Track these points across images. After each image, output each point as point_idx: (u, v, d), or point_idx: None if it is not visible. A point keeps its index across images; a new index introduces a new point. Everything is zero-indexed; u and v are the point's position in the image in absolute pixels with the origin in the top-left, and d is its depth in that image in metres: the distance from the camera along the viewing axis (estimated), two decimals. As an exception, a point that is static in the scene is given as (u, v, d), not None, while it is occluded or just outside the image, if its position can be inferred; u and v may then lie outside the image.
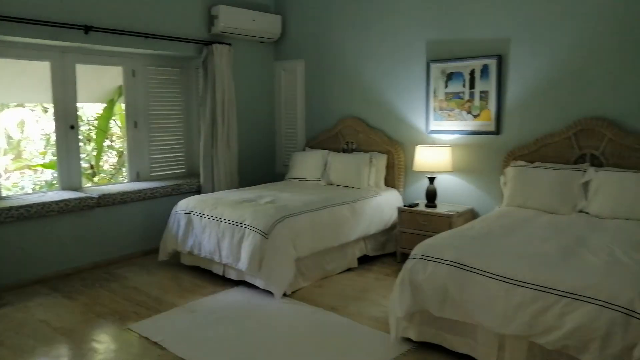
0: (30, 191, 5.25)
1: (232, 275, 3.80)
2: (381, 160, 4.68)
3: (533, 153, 3.89)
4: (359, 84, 4.98)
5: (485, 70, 4.10)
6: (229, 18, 4.85)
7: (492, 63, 4.06)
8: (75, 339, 2.98)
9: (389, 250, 4.50)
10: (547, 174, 3.63)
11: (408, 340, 2.80)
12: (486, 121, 4.15)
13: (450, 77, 4.32)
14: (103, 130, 5.86)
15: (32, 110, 5.91)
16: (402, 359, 2.68)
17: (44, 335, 3.02)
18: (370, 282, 3.86)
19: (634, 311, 2.04)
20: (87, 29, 4.02)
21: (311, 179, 4.91)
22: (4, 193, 4.28)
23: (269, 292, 3.55)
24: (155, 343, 2.88)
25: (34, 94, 4.56)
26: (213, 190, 4.89)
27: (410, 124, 4.63)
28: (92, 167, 6.03)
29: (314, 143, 5.32)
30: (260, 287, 3.61)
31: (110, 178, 6.18)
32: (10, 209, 3.68)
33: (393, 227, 4.44)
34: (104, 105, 5.61)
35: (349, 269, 4.12)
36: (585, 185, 3.48)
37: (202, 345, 2.85)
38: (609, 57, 3.57)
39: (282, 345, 2.85)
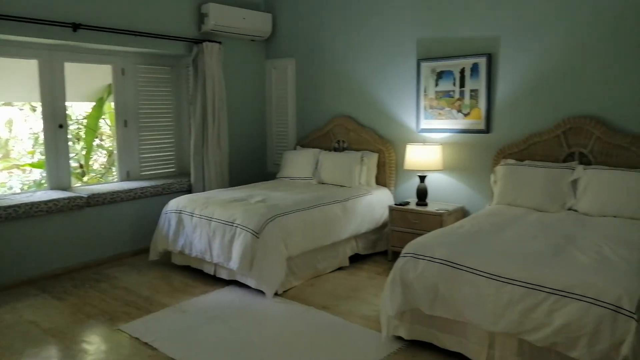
0: (19, 191, 5.19)
1: (223, 274, 3.79)
2: (372, 159, 4.69)
3: (523, 151, 3.92)
4: (349, 83, 4.98)
5: (475, 68, 4.12)
6: (219, 16, 4.83)
7: (482, 62, 4.08)
8: (65, 340, 2.95)
9: (380, 249, 4.52)
10: (537, 172, 3.66)
11: (399, 338, 2.81)
12: (476, 120, 4.18)
13: (440, 75, 4.33)
14: (92, 129, 5.81)
15: (20, 109, 5.84)
16: (393, 357, 2.69)
17: (33, 337, 2.99)
18: (361, 280, 3.87)
19: (621, 308, 2.06)
20: (76, 26, 3.98)
21: (302, 178, 4.91)
22: (-8, 193, 4.24)
23: (260, 292, 3.54)
24: (146, 343, 2.86)
25: (22, 93, 4.51)
26: (204, 190, 4.88)
27: (401, 123, 4.64)
28: (81, 166, 5.98)
29: (305, 142, 5.32)
30: (252, 286, 3.60)
31: (100, 177, 6.13)
32: (-2, 209, 3.64)
33: (384, 225, 4.46)
34: (93, 104, 5.56)
35: (341, 268, 4.13)
36: (574, 183, 3.51)
37: (193, 346, 2.84)
38: (597, 55, 3.60)
39: (273, 344, 2.85)
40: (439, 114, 4.37)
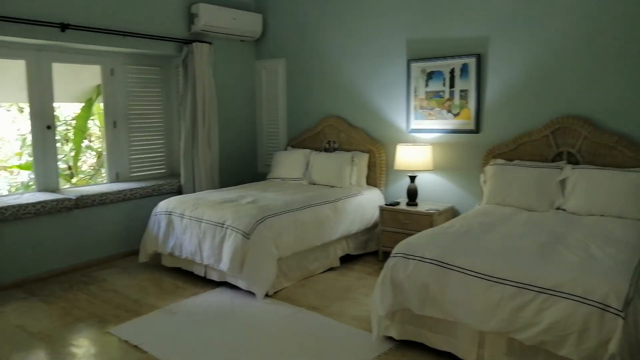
0: (6, 193, 5.14)
1: (214, 276, 3.77)
2: (363, 160, 4.69)
3: (512, 151, 3.94)
4: (340, 83, 4.98)
5: (464, 69, 4.14)
6: (209, 16, 4.81)
7: (472, 62, 4.10)
8: (53, 344, 2.92)
9: (370, 249, 4.52)
10: (526, 172, 3.69)
11: (390, 338, 2.81)
12: (466, 120, 4.20)
13: (430, 76, 4.35)
14: (81, 130, 5.76)
15: (8, 110, 5.77)
16: (384, 357, 2.69)
17: (20, 341, 2.95)
18: (352, 281, 3.87)
19: (608, 306, 2.08)
20: (64, 26, 3.94)
21: (293, 179, 4.91)
22: (-22, 195, 4.18)
23: (251, 293, 3.53)
24: (136, 346, 2.84)
25: (9, 94, 4.47)
26: (194, 191, 4.85)
27: (391, 123, 4.66)
28: (70, 168, 5.93)
29: (295, 142, 5.31)
30: (242, 287, 3.59)
31: (89, 179, 6.08)
32: (-16, 211, 3.60)
33: (375, 225, 4.46)
34: (82, 104, 5.51)
35: (331, 268, 4.13)
36: (563, 182, 3.54)
37: (183, 348, 2.82)
38: (584, 56, 3.63)
39: (264, 346, 2.84)
40: (429, 114, 4.39)
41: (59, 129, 5.59)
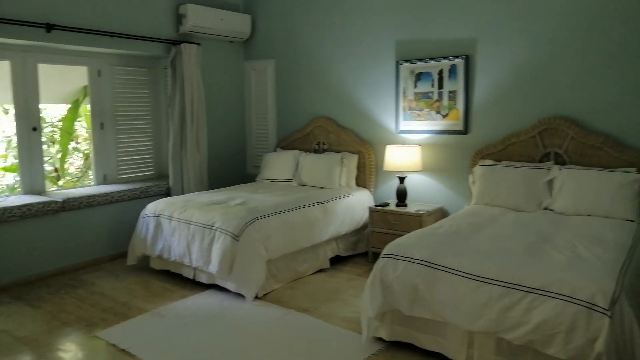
0: (-9, 196, 5.05)
1: (203, 278, 3.75)
2: (352, 161, 4.70)
3: (500, 152, 3.97)
4: (329, 84, 4.98)
5: (453, 70, 4.17)
6: (198, 17, 4.78)
7: (460, 63, 4.12)
8: (40, 349, 2.88)
9: (360, 250, 4.53)
10: (514, 173, 3.71)
11: (380, 339, 2.82)
12: (455, 121, 4.22)
13: (419, 77, 4.37)
14: (68, 132, 5.70)
15: (-8, 112, 5.69)
16: (374, 358, 2.69)
17: (5, 346, 2.91)
18: (342, 282, 3.87)
19: (595, 305, 2.10)
20: (50, 27, 3.89)
21: (282, 180, 4.89)
22: (-38, 198, 4.11)
23: (240, 295, 3.51)
24: (124, 350, 2.81)
25: (-6, 95, 4.40)
26: (182, 193, 4.82)
27: (381, 124, 4.67)
28: (56, 170, 5.86)
29: (285, 144, 5.30)
30: (232, 290, 3.57)
31: (76, 181, 6.01)
32: (-32, 214, 3.55)
33: (364, 226, 4.47)
34: (69, 106, 5.45)
35: (321, 270, 4.12)
36: (550, 183, 3.57)
37: (172, 351, 2.80)
38: (571, 58, 3.67)
39: (254, 348, 2.83)
40: (418, 115, 4.41)
41: (45, 130, 5.52)
